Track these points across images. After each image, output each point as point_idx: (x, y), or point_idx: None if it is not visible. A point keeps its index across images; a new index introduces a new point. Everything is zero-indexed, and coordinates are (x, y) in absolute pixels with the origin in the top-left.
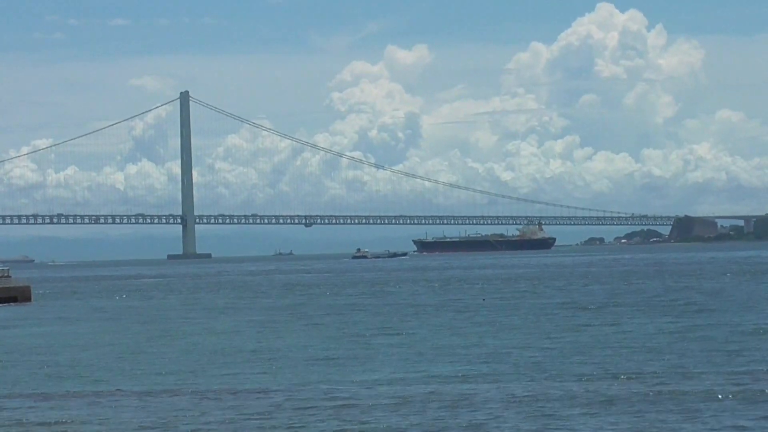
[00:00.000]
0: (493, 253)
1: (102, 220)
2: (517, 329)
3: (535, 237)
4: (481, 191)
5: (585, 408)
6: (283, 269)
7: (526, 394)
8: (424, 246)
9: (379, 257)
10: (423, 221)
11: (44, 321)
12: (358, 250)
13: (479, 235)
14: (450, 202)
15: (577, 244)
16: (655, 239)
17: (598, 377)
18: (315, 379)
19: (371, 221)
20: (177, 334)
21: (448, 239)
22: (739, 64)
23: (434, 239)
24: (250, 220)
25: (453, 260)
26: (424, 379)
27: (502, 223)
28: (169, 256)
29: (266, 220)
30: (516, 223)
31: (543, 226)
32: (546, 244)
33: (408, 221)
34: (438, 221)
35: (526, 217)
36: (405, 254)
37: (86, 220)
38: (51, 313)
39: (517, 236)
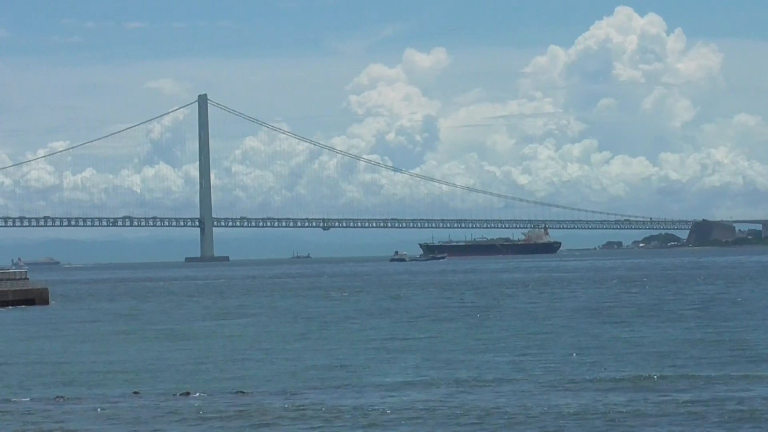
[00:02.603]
0: (500, 257)
1: (120, 223)
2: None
3: (541, 241)
4: (498, 195)
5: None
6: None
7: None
8: (429, 250)
9: (416, 260)
10: (440, 224)
11: (61, 323)
12: (396, 252)
13: (485, 239)
14: (467, 205)
15: (595, 248)
16: (672, 243)
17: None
18: None
19: (389, 224)
20: (191, 337)
21: (454, 243)
22: (758, 68)
23: (440, 243)
24: (268, 223)
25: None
26: None
27: (519, 227)
28: (187, 259)
29: (284, 223)
30: (531, 227)
31: (549, 230)
32: (551, 248)
33: (425, 224)
34: (455, 224)
35: (542, 221)
36: (443, 257)
37: (104, 223)
38: (67, 315)
39: (523, 240)
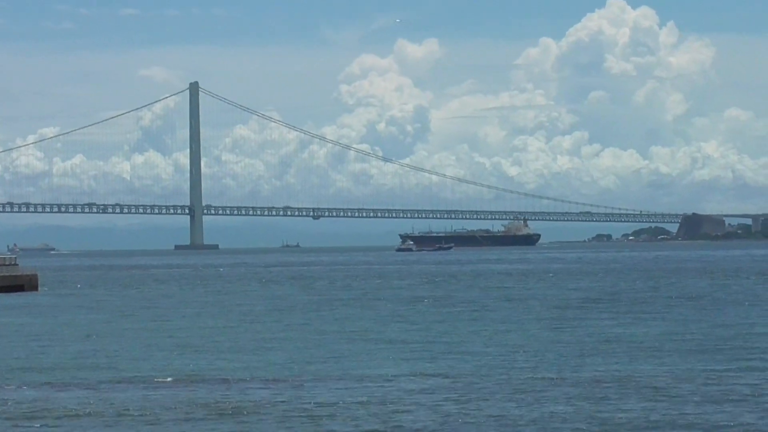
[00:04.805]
0: (480, 249)
1: (110, 210)
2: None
3: (520, 233)
4: (487, 186)
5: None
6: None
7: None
8: (413, 240)
9: (423, 250)
10: (430, 215)
11: (49, 310)
12: (403, 242)
13: (465, 231)
14: (457, 196)
15: (585, 241)
16: (662, 236)
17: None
18: None
19: (379, 214)
20: (168, 324)
21: (434, 234)
22: (750, 63)
23: (420, 234)
24: (258, 212)
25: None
26: None
27: (509, 218)
28: (177, 247)
29: (274, 212)
30: (511, 219)
31: (535, 221)
32: (531, 240)
33: (415, 215)
34: (445, 215)
35: (529, 213)
36: (450, 247)
37: (94, 209)
38: (56, 302)
39: (502, 232)
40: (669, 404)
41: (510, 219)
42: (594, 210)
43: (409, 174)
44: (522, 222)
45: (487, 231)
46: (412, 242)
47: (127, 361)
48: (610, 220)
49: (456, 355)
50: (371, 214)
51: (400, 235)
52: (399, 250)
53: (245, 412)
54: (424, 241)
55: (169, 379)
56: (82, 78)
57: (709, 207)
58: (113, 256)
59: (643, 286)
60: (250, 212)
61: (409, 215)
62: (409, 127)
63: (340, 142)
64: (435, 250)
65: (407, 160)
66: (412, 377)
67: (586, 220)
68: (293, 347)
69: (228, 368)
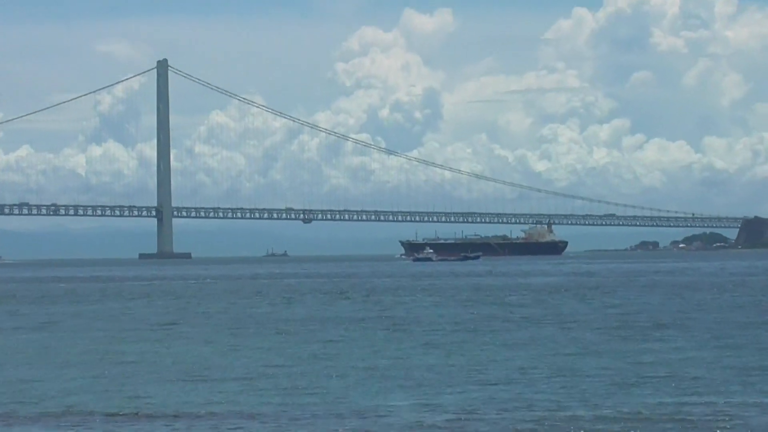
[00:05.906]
0: (496, 259)
1: (62, 211)
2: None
3: (543, 240)
4: (510, 184)
5: None
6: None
7: None
8: (412, 248)
9: (446, 259)
10: (442, 218)
11: None
12: (423, 250)
13: (478, 237)
14: (473, 195)
15: (625, 249)
16: (718, 244)
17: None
18: None
19: (381, 217)
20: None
21: (442, 241)
22: None
23: (425, 240)
24: (238, 214)
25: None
26: None
27: (536, 222)
28: (141, 256)
29: (257, 215)
30: (533, 223)
31: (567, 225)
32: (556, 248)
33: (424, 218)
34: (460, 218)
35: (563, 216)
36: (478, 256)
37: (43, 211)
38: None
39: (523, 239)
40: None
41: (532, 224)
42: (637, 213)
43: (416, 169)
44: (545, 227)
45: (505, 237)
46: (431, 250)
47: (78, 391)
48: (656, 225)
49: (473, 386)
50: (372, 217)
51: (401, 242)
52: (416, 259)
53: None
54: (446, 248)
55: (126, 412)
56: (30, 54)
57: None
58: (66, 265)
59: (692, 304)
60: (229, 214)
61: (417, 218)
62: (417, 114)
63: (336, 131)
64: (460, 259)
65: (415, 153)
66: (417, 411)
67: (627, 225)
68: (281, 374)
69: (197, 401)
